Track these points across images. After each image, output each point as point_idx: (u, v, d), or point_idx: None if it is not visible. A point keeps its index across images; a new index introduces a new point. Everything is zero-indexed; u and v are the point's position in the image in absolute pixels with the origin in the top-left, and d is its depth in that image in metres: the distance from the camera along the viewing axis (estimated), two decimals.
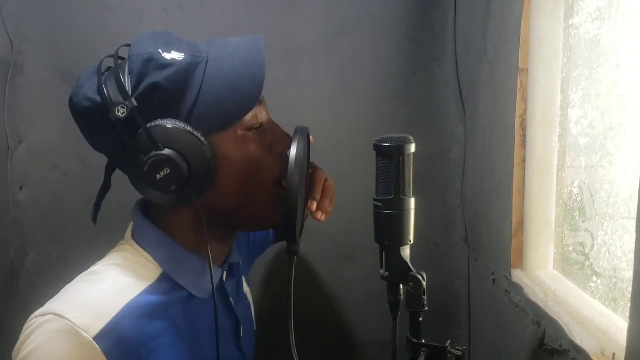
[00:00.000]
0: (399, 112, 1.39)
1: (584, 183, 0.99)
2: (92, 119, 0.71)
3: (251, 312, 0.96)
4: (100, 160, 0.77)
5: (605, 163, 0.95)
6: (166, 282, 0.74)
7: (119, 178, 0.77)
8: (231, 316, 0.84)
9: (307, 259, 1.46)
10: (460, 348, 0.73)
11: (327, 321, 1.48)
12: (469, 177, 1.36)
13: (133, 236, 0.78)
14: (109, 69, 0.73)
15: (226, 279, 0.83)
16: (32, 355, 0.62)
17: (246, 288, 0.96)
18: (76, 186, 1.36)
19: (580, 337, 0.82)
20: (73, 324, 0.63)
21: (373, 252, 0.76)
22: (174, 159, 0.68)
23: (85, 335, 0.63)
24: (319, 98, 1.39)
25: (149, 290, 0.71)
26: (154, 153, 0.68)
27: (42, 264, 1.37)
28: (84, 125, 0.73)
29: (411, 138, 0.72)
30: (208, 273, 0.76)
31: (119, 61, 0.72)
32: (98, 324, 0.64)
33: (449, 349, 0.72)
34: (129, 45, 0.73)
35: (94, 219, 0.77)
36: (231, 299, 0.83)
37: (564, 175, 1.02)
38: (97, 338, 0.63)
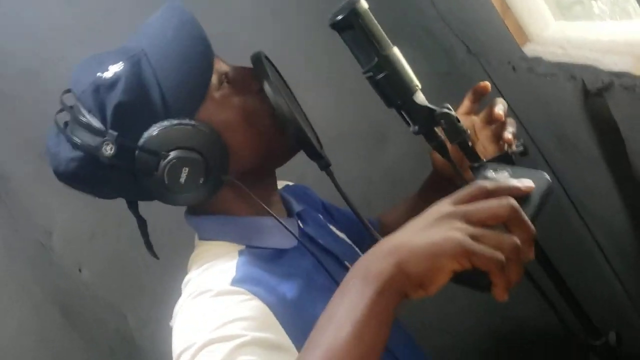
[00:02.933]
0: None
1: None
2: (86, 174, 0.70)
3: (357, 252, 0.93)
4: (119, 202, 0.77)
5: None
6: (251, 253, 0.74)
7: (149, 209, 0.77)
8: (328, 254, 0.83)
9: None
10: (520, 143, 0.73)
11: None
12: None
13: (199, 237, 0.79)
14: (66, 123, 0.72)
15: (304, 225, 0.83)
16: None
17: (341, 234, 0.94)
18: (121, 237, 1.39)
19: (613, 63, 0.81)
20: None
21: None
22: (184, 156, 0.67)
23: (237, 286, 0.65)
24: None
25: (242, 264, 0.71)
26: (163, 163, 0.67)
27: (143, 316, 1.43)
28: (84, 185, 0.73)
29: None
30: (281, 226, 0.75)
31: (71, 108, 0.70)
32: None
33: (509, 152, 0.73)
34: (69, 91, 0.71)
35: (155, 255, 0.79)
36: (320, 240, 0.83)
37: None
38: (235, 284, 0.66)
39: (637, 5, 0.72)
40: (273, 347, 0.60)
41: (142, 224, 0.80)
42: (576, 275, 1.09)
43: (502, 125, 0.76)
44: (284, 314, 0.65)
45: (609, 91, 0.85)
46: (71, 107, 0.71)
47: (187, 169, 0.67)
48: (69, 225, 1.42)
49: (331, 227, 0.92)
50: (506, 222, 0.47)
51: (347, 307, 0.47)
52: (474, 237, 0.46)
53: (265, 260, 0.73)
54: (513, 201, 0.47)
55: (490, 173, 0.58)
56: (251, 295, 0.65)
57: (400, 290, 0.47)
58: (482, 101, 0.84)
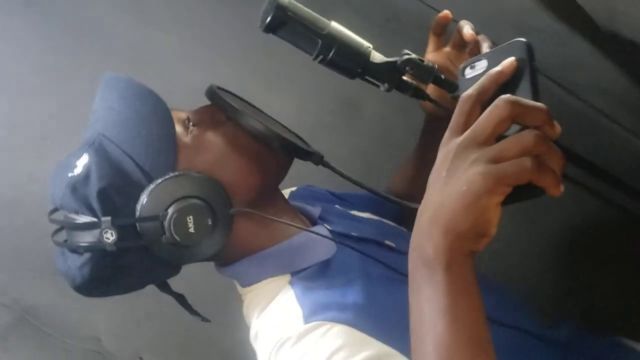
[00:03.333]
0: None
1: None
2: (103, 273, 0.69)
3: (388, 224, 0.91)
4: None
5: None
6: (301, 279, 0.72)
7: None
8: (366, 242, 0.80)
9: None
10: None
11: None
12: None
13: (241, 285, 0.77)
14: (64, 240, 0.71)
15: (331, 225, 0.80)
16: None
17: (365, 214, 0.92)
18: (166, 312, 1.39)
19: None
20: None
21: None
22: (182, 206, 0.66)
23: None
24: None
25: (301, 295, 0.69)
26: (166, 222, 0.66)
27: None
28: (107, 286, 0.71)
29: None
30: (313, 237, 0.74)
31: (63, 219, 0.70)
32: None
33: None
34: (55, 210, 0.71)
35: (205, 319, 0.77)
36: (353, 232, 0.80)
37: None
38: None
39: None
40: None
41: (180, 299, 0.78)
42: (594, 153, 1.08)
43: (477, 44, 0.74)
44: (365, 324, 0.64)
45: None
46: (62, 220, 0.71)
47: (191, 217, 0.66)
48: (112, 322, 1.42)
49: (352, 212, 0.90)
50: (514, 120, 0.44)
51: (428, 302, 0.45)
52: (495, 160, 0.43)
53: (318, 279, 0.71)
54: (506, 97, 0.44)
55: (468, 71, 0.54)
56: (330, 323, 0.63)
57: (463, 254, 0.45)
58: (447, 31, 0.82)
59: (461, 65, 0.54)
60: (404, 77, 0.71)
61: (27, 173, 1.31)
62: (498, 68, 0.47)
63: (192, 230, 0.66)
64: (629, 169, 1.19)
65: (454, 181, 0.45)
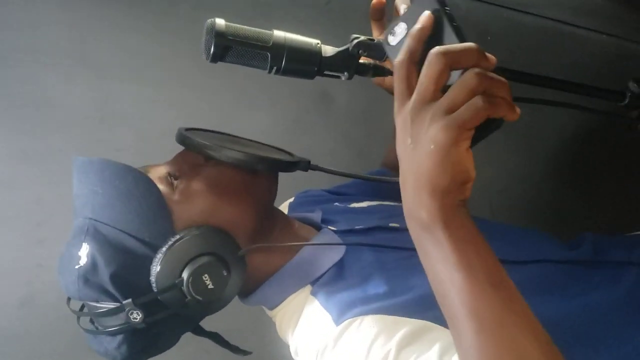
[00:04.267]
0: None
1: None
2: (140, 346, 0.70)
3: (389, 205, 0.91)
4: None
5: None
6: (321, 286, 0.73)
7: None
8: (373, 231, 0.81)
9: None
10: None
11: None
12: None
13: (269, 308, 0.78)
14: (91, 321, 0.73)
15: (336, 227, 0.81)
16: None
17: (364, 203, 0.93)
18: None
19: None
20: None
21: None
22: (195, 268, 0.67)
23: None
24: None
25: (325, 300, 0.70)
26: (185, 288, 0.67)
27: None
28: (146, 355, 0.73)
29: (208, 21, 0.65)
30: (321, 244, 0.75)
31: (82, 309, 0.72)
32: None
33: None
34: (69, 299, 0.72)
35: (246, 352, 0.79)
36: (357, 226, 0.81)
37: None
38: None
39: None
40: (414, 337, 0.60)
41: (215, 338, 0.80)
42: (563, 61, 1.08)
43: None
44: (393, 308, 0.65)
45: None
46: (81, 308, 0.72)
47: (206, 275, 0.68)
48: None
49: (352, 205, 0.91)
50: (451, 68, 0.46)
51: (440, 262, 0.47)
52: (449, 110, 0.45)
53: (337, 282, 0.72)
54: (436, 50, 0.45)
55: (391, 38, 0.55)
56: (359, 317, 0.65)
57: (455, 206, 0.47)
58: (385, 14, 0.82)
59: (382, 36, 0.55)
60: (360, 61, 0.70)
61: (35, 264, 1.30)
62: (418, 25, 0.49)
63: (211, 286, 0.68)
64: (600, 66, 1.19)
65: (420, 145, 0.46)
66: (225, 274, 0.69)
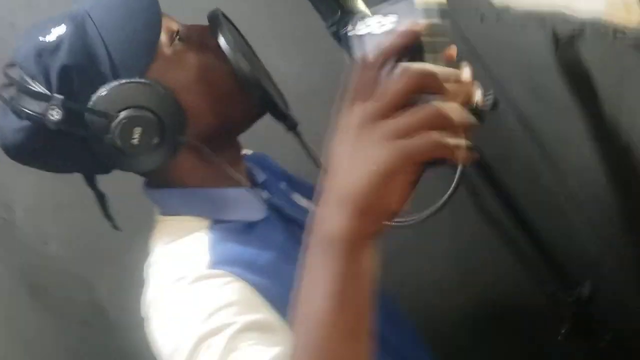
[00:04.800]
0: None
1: None
2: (35, 145, 0.67)
3: None
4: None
5: None
6: (221, 229, 0.71)
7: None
8: (296, 224, 0.78)
9: None
10: (489, 93, 0.70)
11: None
12: None
13: (161, 212, 0.76)
14: (11, 98, 0.68)
15: (270, 196, 0.78)
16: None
17: (304, 203, 0.89)
18: (86, 206, 1.35)
19: (585, 10, 0.79)
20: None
21: None
22: (135, 115, 0.64)
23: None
24: None
25: (216, 242, 0.69)
26: (113, 124, 0.64)
27: (113, 286, 1.40)
28: (34, 158, 0.70)
29: None
30: (248, 196, 0.74)
31: (18, 79, 0.67)
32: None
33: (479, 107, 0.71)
34: (13, 65, 0.68)
35: (116, 227, 0.77)
36: (287, 211, 0.79)
37: None
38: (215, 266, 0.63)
39: None
40: (265, 327, 0.58)
41: (100, 198, 0.77)
42: (550, 230, 1.09)
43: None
44: (267, 292, 0.63)
45: (582, 40, 0.84)
46: (15, 82, 0.68)
47: (139, 128, 0.65)
48: (31, 198, 1.37)
49: (295, 195, 0.88)
50: (420, 90, 0.41)
51: (320, 280, 0.43)
52: (403, 134, 0.40)
53: (237, 235, 0.70)
54: (415, 68, 0.40)
55: (361, 27, 0.46)
56: (233, 277, 0.62)
57: (369, 237, 0.43)
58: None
59: (352, 23, 0.48)
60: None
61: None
62: (412, 27, 0.42)
63: (135, 141, 0.65)
64: (572, 256, 1.21)
65: (362, 159, 0.42)
66: (155, 142, 0.66)
